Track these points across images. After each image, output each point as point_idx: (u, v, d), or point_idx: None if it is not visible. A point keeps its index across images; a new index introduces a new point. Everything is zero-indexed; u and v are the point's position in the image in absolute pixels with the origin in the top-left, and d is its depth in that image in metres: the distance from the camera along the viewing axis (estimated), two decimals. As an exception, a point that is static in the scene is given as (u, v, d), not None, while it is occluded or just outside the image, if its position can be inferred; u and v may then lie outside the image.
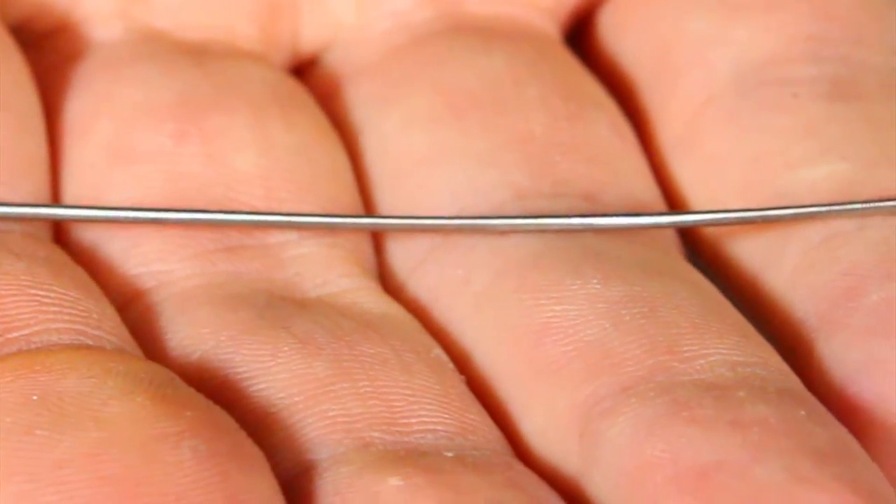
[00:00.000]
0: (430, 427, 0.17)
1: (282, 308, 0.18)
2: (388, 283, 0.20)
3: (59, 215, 0.19)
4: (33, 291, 0.17)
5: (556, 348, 0.18)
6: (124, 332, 0.18)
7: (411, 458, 0.16)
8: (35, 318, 0.17)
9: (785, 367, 0.18)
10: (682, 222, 0.20)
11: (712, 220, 0.19)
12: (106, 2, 0.21)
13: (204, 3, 0.21)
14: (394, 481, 0.16)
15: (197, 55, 0.21)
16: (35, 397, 0.16)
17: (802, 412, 0.17)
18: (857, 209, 0.19)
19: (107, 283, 0.19)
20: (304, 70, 0.22)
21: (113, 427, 0.16)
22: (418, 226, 0.19)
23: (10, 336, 0.17)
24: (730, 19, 0.21)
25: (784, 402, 0.17)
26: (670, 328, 0.18)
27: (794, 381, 0.17)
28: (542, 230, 0.19)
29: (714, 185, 0.20)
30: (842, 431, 0.17)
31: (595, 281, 0.18)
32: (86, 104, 0.20)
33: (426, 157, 0.20)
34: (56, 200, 0.20)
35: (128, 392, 0.16)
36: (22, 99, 0.20)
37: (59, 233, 0.19)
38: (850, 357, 0.18)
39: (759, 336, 0.18)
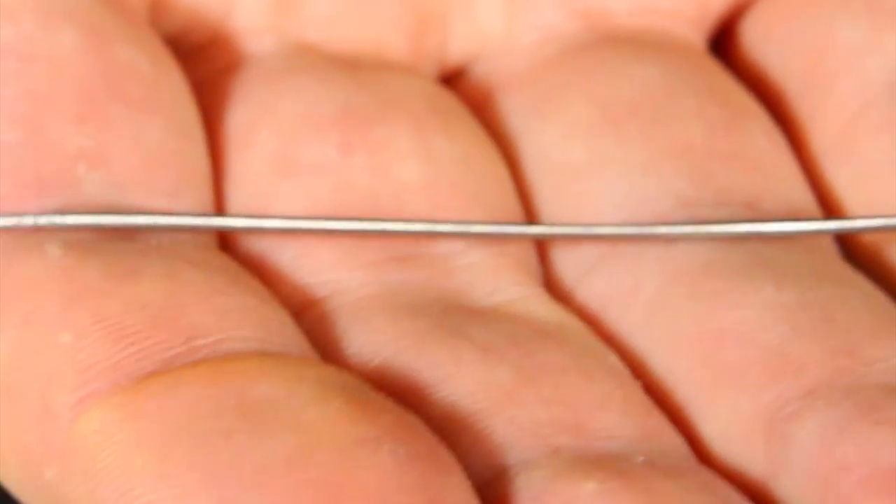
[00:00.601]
0: (617, 433, 0.17)
1: (457, 316, 0.18)
2: (554, 291, 0.20)
3: (229, 226, 0.19)
4: (214, 299, 0.18)
5: (735, 353, 0.18)
6: (304, 340, 0.18)
7: (603, 463, 0.16)
8: (219, 326, 0.17)
9: None
10: (845, 228, 0.19)
11: (875, 225, 0.19)
12: (258, 15, 0.21)
13: (354, 17, 0.22)
14: (589, 486, 0.16)
15: (352, 67, 0.21)
16: (230, 403, 0.16)
17: None
18: None
19: (279, 293, 0.19)
20: (452, 81, 0.22)
21: (312, 432, 0.16)
22: (586, 234, 0.19)
23: (195, 344, 0.17)
24: (882, 27, 0.21)
25: None
26: (849, 333, 0.18)
27: None
28: (708, 238, 0.19)
29: (872, 190, 0.20)
30: None
31: (769, 286, 0.18)
32: (246, 116, 0.20)
33: (587, 167, 0.20)
34: (220, 212, 0.20)
35: (323, 397, 0.16)
36: (182, 110, 0.20)
37: (226, 244, 0.19)
38: None
39: None
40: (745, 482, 0.17)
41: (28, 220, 0.18)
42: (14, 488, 0.18)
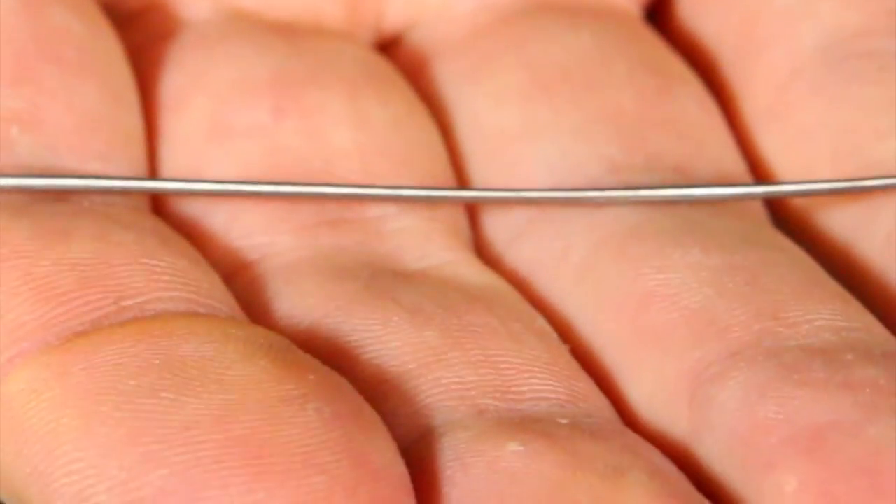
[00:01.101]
0: (542, 395, 0.17)
1: (387, 280, 0.19)
2: (484, 255, 0.20)
3: (162, 189, 0.19)
4: (144, 261, 0.17)
5: (660, 316, 0.18)
6: (233, 302, 0.18)
7: (527, 424, 0.16)
8: (148, 287, 0.17)
9: (886, 332, 0.18)
10: (774, 192, 0.20)
11: (804, 189, 0.19)
12: None
13: None
14: (513, 446, 0.16)
15: (287, 34, 0.21)
16: (157, 362, 0.16)
17: None
18: None
19: (210, 256, 0.19)
20: (388, 48, 0.22)
21: (238, 390, 0.16)
22: (515, 198, 0.19)
23: (124, 304, 0.17)
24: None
25: (890, 364, 0.17)
26: (773, 295, 0.18)
27: (883, 334, 0.17)
28: (637, 202, 0.19)
29: (802, 156, 0.20)
30: None
31: (696, 250, 0.18)
32: (180, 81, 0.20)
33: (519, 133, 0.20)
34: (153, 175, 0.20)
35: (249, 356, 0.16)
36: (117, 74, 0.20)
37: (159, 207, 0.19)
38: None
39: (857, 302, 0.18)
40: (670, 444, 0.17)
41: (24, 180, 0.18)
42: None
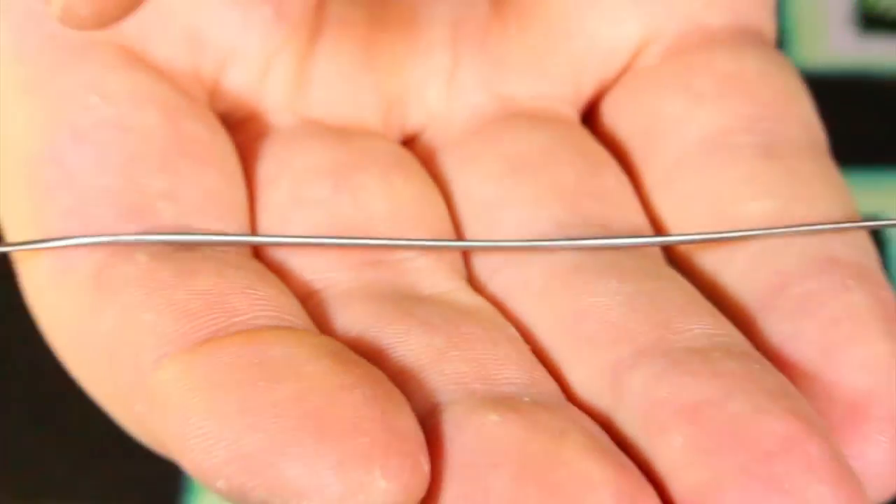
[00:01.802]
0: (512, 381, 0.19)
1: (408, 302, 0.21)
2: (474, 285, 0.22)
3: (259, 241, 0.22)
4: (248, 291, 0.20)
5: (591, 327, 0.20)
6: (307, 319, 0.20)
7: (502, 402, 0.19)
8: (250, 309, 0.20)
9: (742, 337, 0.20)
10: (667, 241, 0.22)
11: (686, 239, 0.22)
12: (280, 100, 0.23)
13: (343, 101, 0.24)
14: (493, 417, 0.18)
15: (341, 134, 0.23)
16: (256, 361, 0.18)
17: (757, 366, 0.19)
18: (784, 232, 0.21)
19: (291, 286, 0.21)
20: (409, 144, 0.24)
21: (309, 380, 0.18)
22: (494, 247, 0.22)
23: (234, 321, 0.19)
24: (694, 104, 0.23)
25: (744, 359, 0.19)
26: (666, 312, 0.20)
27: (749, 346, 0.20)
28: (576, 249, 0.21)
29: (687, 216, 0.22)
30: (783, 378, 0.19)
31: (614, 281, 0.20)
32: (271, 168, 0.23)
33: (496, 202, 0.22)
34: (254, 232, 0.22)
35: (318, 357, 0.19)
36: (230, 163, 0.22)
37: (257, 254, 0.22)
38: (781, 330, 0.20)
39: (723, 316, 0.20)
40: (597, 415, 0.19)
41: (124, 238, 0.20)
42: (116, 418, 0.21)
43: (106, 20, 0.18)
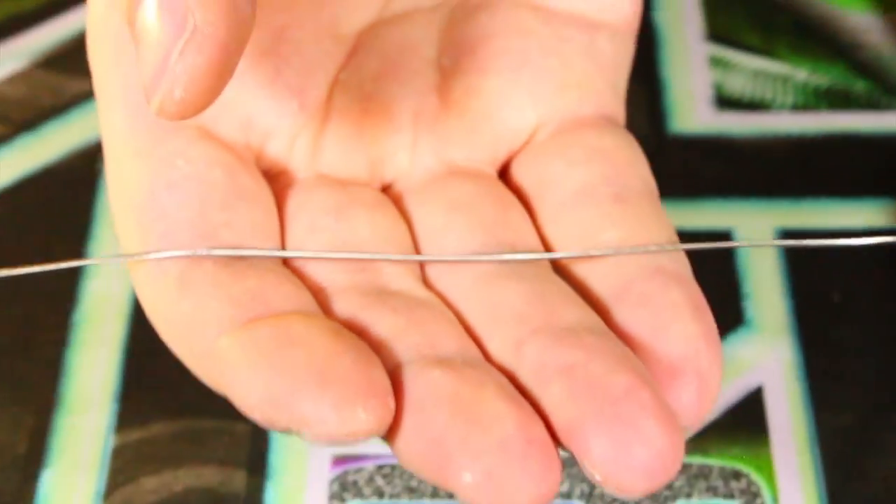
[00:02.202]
0: (451, 348, 0.21)
1: (386, 296, 0.22)
2: (426, 285, 0.24)
3: (287, 255, 0.23)
4: (280, 288, 0.22)
5: (502, 313, 0.22)
6: (317, 306, 0.22)
7: (443, 362, 0.20)
8: (283, 300, 0.21)
9: (600, 321, 0.21)
10: (553, 257, 0.24)
11: (566, 256, 0.24)
12: (302, 162, 0.25)
13: (343, 163, 0.25)
14: (437, 372, 0.20)
15: (341, 184, 0.25)
16: (286, 333, 0.20)
17: (610, 341, 0.21)
18: (628, 251, 0.23)
19: (307, 284, 0.23)
20: (385, 191, 0.26)
21: (316, 348, 0.20)
22: (440, 260, 0.24)
23: (270, 308, 0.21)
24: (570, 167, 0.25)
25: (602, 336, 0.21)
26: (551, 305, 0.22)
27: (605, 328, 0.21)
28: (494, 262, 0.23)
29: (566, 241, 0.24)
30: (627, 349, 0.21)
31: (518, 283, 0.22)
32: (294, 206, 0.24)
33: (442, 230, 0.24)
34: (283, 248, 0.24)
35: (324, 332, 0.20)
36: (268, 204, 0.24)
37: (286, 263, 0.23)
38: (626, 316, 0.22)
39: (588, 307, 0.22)
40: (505, 372, 0.21)
41: (198, 252, 0.22)
42: (192, 370, 0.22)
43: (187, 115, 0.20)
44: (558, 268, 0.24)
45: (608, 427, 0.19)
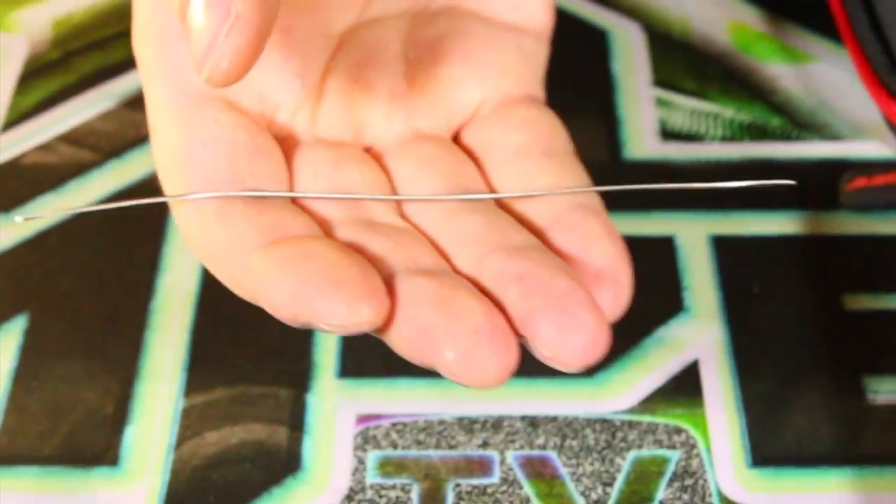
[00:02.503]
0: (428, 263, 0.21)
1: (375, 226, 0.23)
2: (403, 219, 0.24)
3: (294, 195, 0.23)
4: (295, 219, 0.22)
5: (466, 237, 0.22)
6: (323, 234, 0.22)
7: (425, 272, 0.21)
8: (296, 226, 0.22)
9: (541, 243, 0.22)
10: (500, 196, 0.24)
11: (510, 195, 0.24)
12: (303, 128, 0.25)
13: (335, 130, 0.25)
14: (420, 280, 0.21)
15: (335, 145, 0.25)
16: (298, 251, 0.20)
17: (551, 256, 0.21)
18: (557, 192, 0.23)
19: (314, 218, 0.23)
20: (367, 150, 0.26)
21: (330, 260, 0.20)
22: (415, 199, 0.24)
23: (286, 232, 0.21)
24: (508, 132, 0.25)
25: (544, 252, 0.21)
26: (502, 231, 0.22)
27: (545, 247, 0.22)
28: (456, 200, 0.23)
29: (509, 186, 0.24)
30: (562, 261, 0.21)
31: (475, 215, 0.23)
32: (300, 161, 0.24)
33: (413, 178, 0.24)
34: (292, 190, 0.24)
35: (331, 250, 0.21)
36: (280, 159, 0.24)
37: (295, 203, 0.23)
38: (560, 239, 0.22)
39: (530, 233, 0.22)
40: (472, 281, 0.21)
41: (230, 194, 0.22)
42: (230, 287, 0.22)
43: (229, 83, 0.21)
44: (503, 206, 0.24)
45: (554, 317, 0.20)
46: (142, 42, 0.24)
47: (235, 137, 0.23)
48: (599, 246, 0.22)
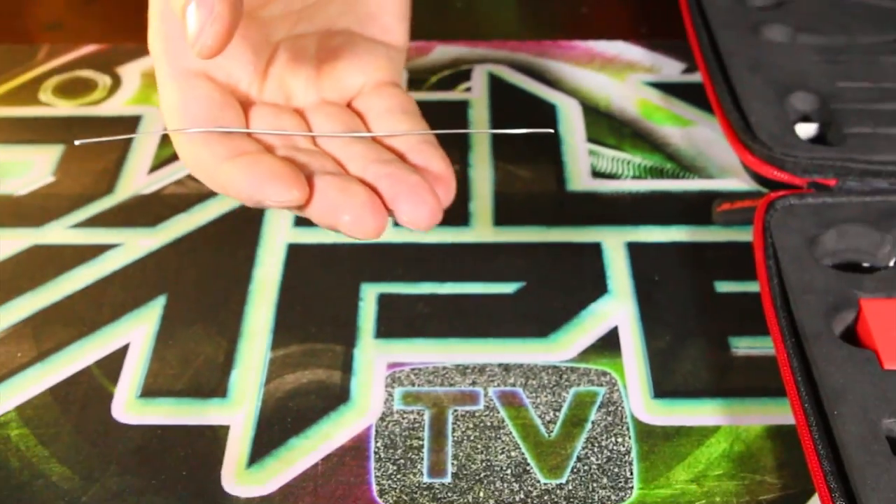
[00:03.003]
0: (332, 169, 0.22)
1: (300, 149, 0.23)
2: (318, 149, 0.24)
3: (253, 132, 0.23)
4: (250, 144, 0.22)
5: (356, 155, 0.23)
6: (271, 154, 0.22)
7: (331, 173, 0.22)
8: (253, 148, 0.22)
9: (397, 158, 0.23)
10: (375, 135, 0.24)
11: (382, 134, 0.24)
12: (255, 94, 0.25)
13: (273, 95, 0.25)
14: (328, 177, 0.21)
15: (274, 106, 0.25)
16: (256, 162, 0.21)
17: (410, 168, 0.22)
18: (412, 133, 0.24)
19: (265, 146, 0.23)
20: (295, 110, 0.25)
21: (274, 167, 0.21)
22: (325, 135, 0.24)
23: (248, 150, 0.21)
24: (382, 101, 0.25)
25: (406, 166, 0.22)
26: (379, 153, 0.23)
27: (406, 164, 0.22)
28: (350, 137, 0.24)
29: (383, 130, 0.24)
30: (415, 169, 0.22)
31: (362, 145, 0.23)
32: (253, 115, 0.24)
33: (325, 124, 0.25)
34: (248, 128, 0.24)
35: (276, 162, 0.21)
36: (239, 112, 0.24)
37: (250, 137, 0.23)
38: (414, 160, 0.23)
39: (396, 157, 0.23)
40: (360, 180, 0.22)
41: (209, 129, 0.22)
42: (210, 186, 0.22)
43: (213, 55, 0.21)
44: (377, 142, 0.24)
45: (410, 198, 0.21)
46: (153, 40, 0.24)
47: (213, 96, 0.23)
48: (435, 162, 0.23)
